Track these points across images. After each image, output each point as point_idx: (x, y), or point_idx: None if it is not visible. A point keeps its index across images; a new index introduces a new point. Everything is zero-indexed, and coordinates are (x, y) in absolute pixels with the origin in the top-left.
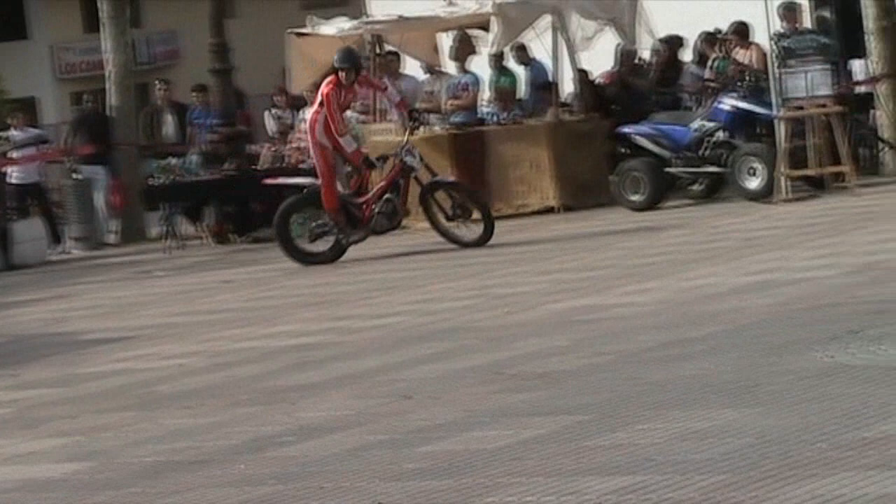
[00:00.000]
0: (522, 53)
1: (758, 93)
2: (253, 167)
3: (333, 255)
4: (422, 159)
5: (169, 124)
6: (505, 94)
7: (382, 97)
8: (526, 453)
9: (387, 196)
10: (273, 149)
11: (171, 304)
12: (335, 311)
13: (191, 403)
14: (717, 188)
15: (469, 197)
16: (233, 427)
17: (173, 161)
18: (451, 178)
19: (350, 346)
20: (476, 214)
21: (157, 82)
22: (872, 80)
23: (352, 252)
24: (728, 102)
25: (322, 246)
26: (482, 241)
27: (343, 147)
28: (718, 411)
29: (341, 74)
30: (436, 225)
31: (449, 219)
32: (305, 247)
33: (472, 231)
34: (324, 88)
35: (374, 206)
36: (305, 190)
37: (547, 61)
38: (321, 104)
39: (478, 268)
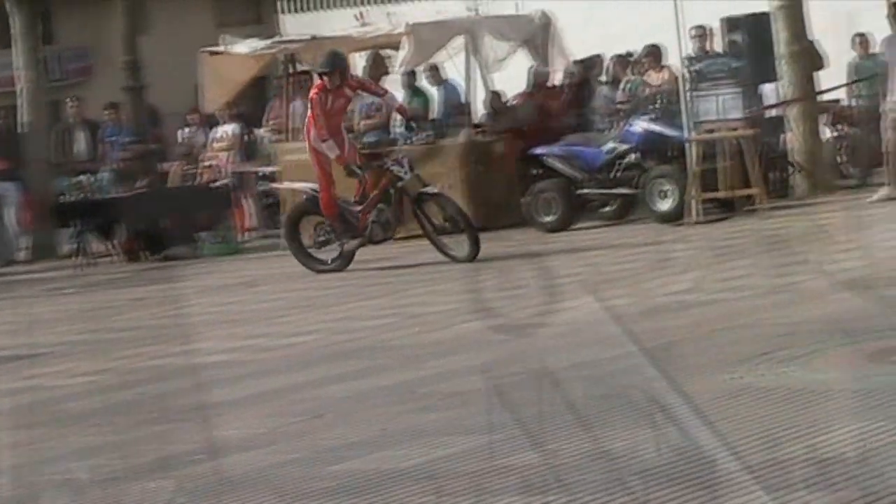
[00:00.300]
0: (435, 74)
1: (669, 115)
2: (165, 185)
3: (342, 264)
4: (412, 169)
5: (81, 141)
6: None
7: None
8: (438, 472)
9: (380, 206)
10: (184, 167)
11: (82, 321)
12: (248, 330)
13: (100, 421)
14: (629, 210)
15: (455, 210)
16: (143, 445)
17: (84, 178)
18: (436, 190)
19: (262, 364)
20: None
21: (68, 99)
22: (783, 103)
23: (267, 270)
24: (639, 125)
25: (330, 254)
26: (471, 257)
27: (325, 152)
28: (629, 431)
29: (325, 79)
30: (427, 236)
31: (437, 231)
32: (316, 254)
33: (462, 247)
34: (311, 94)
35: (369, 216)
36: (306, 196)
37: (460, 82)
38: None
39: (393, 286)
